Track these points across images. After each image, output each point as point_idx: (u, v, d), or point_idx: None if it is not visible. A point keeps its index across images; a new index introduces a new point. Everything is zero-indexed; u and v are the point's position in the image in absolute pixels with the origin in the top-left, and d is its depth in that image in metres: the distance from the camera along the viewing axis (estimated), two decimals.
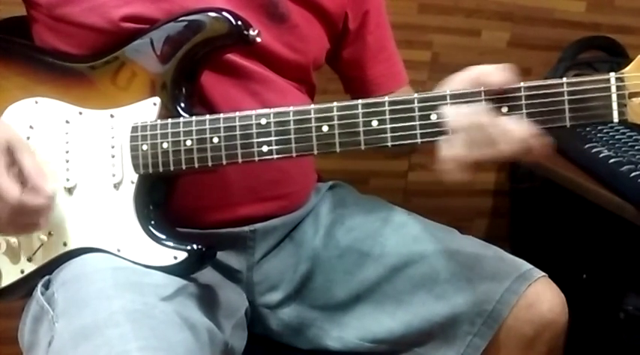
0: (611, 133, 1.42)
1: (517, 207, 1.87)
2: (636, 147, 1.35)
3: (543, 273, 0.98)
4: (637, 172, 1.23)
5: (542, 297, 0.95)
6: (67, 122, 0.94)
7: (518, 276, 0.96)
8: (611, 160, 1.29)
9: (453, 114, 0.78)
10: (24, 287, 0.96)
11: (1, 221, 0.85)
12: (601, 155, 1.32)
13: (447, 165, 0.78)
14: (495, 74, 0.78)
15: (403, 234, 1.04)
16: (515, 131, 0.76)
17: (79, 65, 0.95)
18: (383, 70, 1.14)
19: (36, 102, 0.96)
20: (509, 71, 0.78)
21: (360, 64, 1.13)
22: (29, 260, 0.95)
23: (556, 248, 1.67)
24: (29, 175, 0.84)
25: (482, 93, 0.78)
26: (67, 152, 0.93)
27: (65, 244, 0.93)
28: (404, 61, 1.18)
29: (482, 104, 0.78)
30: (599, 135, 1.42)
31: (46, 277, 0.92)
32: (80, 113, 0.94)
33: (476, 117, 0.77)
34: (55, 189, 0.87)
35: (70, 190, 0.93)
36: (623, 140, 1.38)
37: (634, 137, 1.39)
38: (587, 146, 1.38)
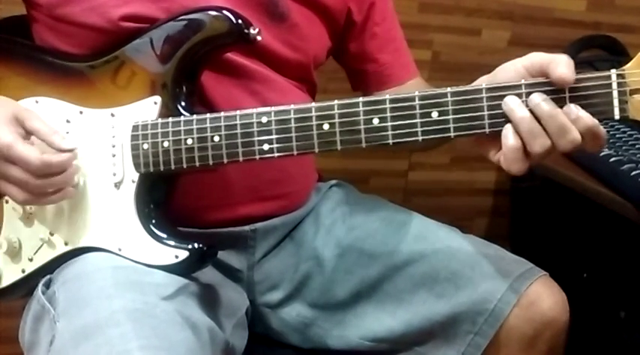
0: (611, 132, 1.41)
1: (517, 205, 1.87)
2: (637, 146, 1.34)
3: (544, 272, 0.98)
4: (637, 171, 1.23)
5: (543, 296, 0.95)
6: (68, 121, 0.94)
7: (519, 275, 0.96)
8: (612, 159, 1.29)
9: (516, 104, 0.77)
10: (25, 286, 0.96)
11: (30, 189, 0.85)
12: (601, 154, 1.31)
13: (510, 155, 0.78)
14: (558, 65, 0.76)
15: (404, 233, 1.04)
16: (582, 120, 0.75)
17: (79, 64, 0.95)
18: (392, 61, 1.13)
19: (36, 102, 0.96)
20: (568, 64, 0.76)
21: (367, 57, 1.12)
22: (30, 259, 0.95)
23: (556, 247, 1.66)
24: (45, 136, 0.85)
25: (484, 90, 0.79)
26: None
27: (66, 243, 0.93)
28: None
29: (545, 94, 0.76)
30: None
31: (47, 276, 0.92)
32: (81, 112, 0.94)
33: (542, 107, 0.76)
34: (74, 143, 0.88)
35: None
36: (623, 139, 1.38)
37: (634, 136, 1.39)
38: None
